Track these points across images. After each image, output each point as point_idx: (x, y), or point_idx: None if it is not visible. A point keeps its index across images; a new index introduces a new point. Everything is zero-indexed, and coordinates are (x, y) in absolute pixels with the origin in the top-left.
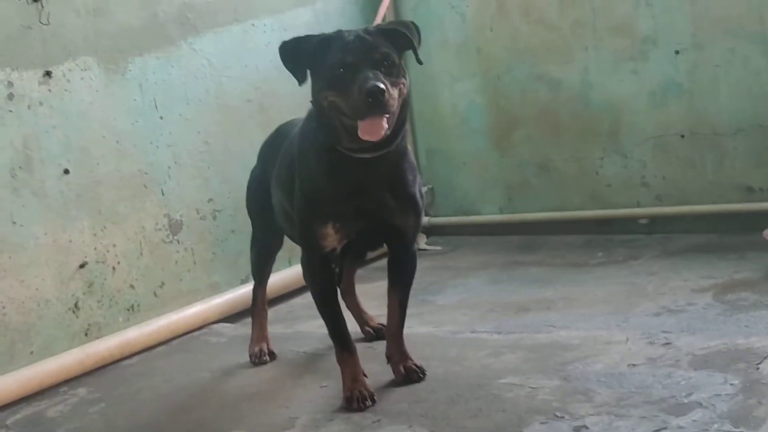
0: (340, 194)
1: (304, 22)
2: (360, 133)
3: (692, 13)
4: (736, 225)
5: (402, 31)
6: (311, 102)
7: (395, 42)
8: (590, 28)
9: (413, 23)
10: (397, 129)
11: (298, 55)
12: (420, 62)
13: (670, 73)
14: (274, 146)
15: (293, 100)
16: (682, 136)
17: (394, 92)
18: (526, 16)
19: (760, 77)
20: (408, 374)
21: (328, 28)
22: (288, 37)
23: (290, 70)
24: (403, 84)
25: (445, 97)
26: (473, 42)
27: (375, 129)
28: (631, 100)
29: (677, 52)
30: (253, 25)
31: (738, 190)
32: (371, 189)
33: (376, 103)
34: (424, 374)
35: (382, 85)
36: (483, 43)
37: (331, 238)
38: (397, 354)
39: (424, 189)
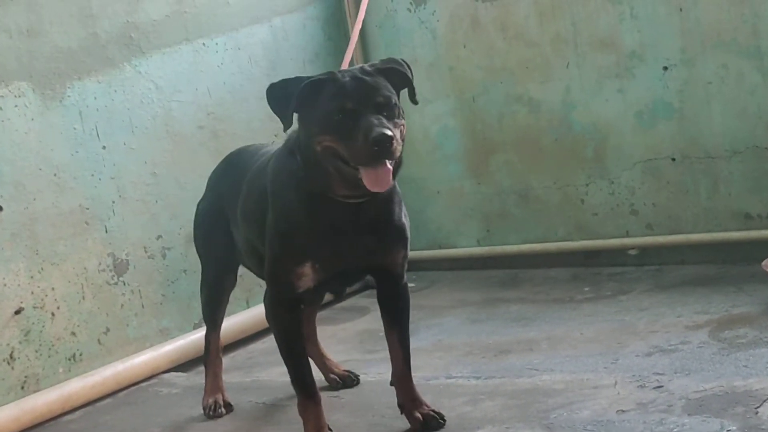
0: (321, 234)
1: (260, 41)
2: (367, 184)
3: (681, 26)
4: (733, 255)
5: (398, 69)
6: (298, 146)
7: (392, 81)
8: (572, 43)
9: (404, 61)
10: (395, 172)
11: (287, 98)
12: (415, 102)
13: (658, 91)
14: (228, 177)
15: (248, 126)
16: (673, 160)
17: (398, 136)
18: (502, 32)
19: (755, 95)
20: (426, 422)
21: (287, 47)
22: (242, 57)
23: (277, 114)
24: (403, 126)
25: (416, 120)
26: (445, 61)
27: (382, 179)
28: (617, 122)
29: (666, 69)
30: (204, 44)
31: (735, 218)
32: (356, 230)
33: (383, 151)
34: (444, 420)
35: (390, 133)
36: (456, 62)
37: (307, 278)
38: (409, 401)
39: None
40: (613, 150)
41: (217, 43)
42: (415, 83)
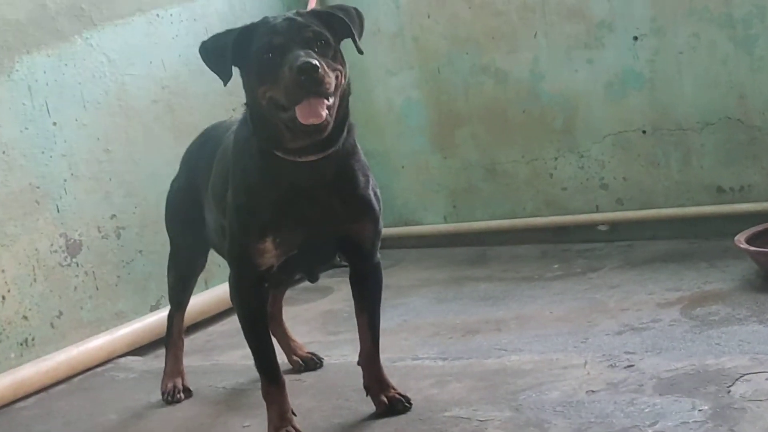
0: (280, 203)
1: (216, 11)
2: (300, 118)
3: None
4: (705, 230)
5: (338, 15)
6: (246, 104)
7: (331, 27)
8: (540, 12)
9: (355, 9)
10: (340, 123)
11: (221, 51)
12: (360, 51)
13: (628, 61)
14: (203, 152)
15: (205, 99)
16: (644, 132)
17: (331, 74)
18: (467, 1)
19: (727, 65)
20: (392, 405)
21: (245, 18)
22: (198, 28)
23: (215, 70)
24: (341, 71)
25: (379, 93)
26: (409, 30)
27: (315, 110)
28: (586, 93)
29: (636, 39)
30: (158, 15)
31: (707, 191)
32: (316, 195)
33: (310, 82)
34: (410, 404)
35: (315, 61)
36: (420, 32)
37: (269, 255)
38: (375, 384)
39: None
40: (583, 122)
41: (171, 14)
42: (379, 52)
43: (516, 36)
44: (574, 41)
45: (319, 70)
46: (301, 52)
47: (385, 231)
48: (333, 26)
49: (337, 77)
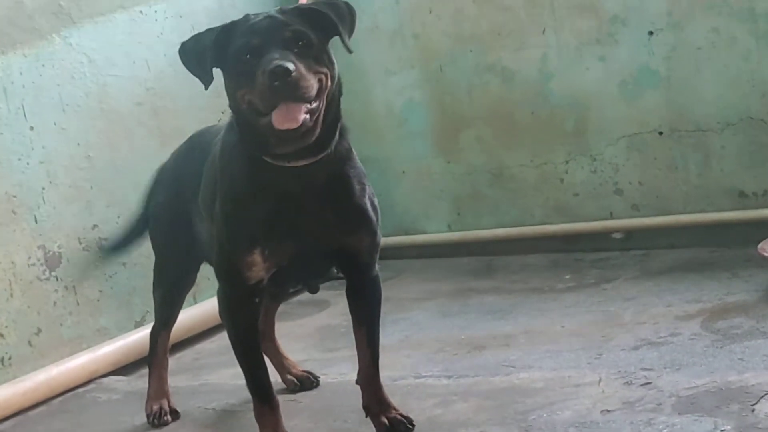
0: (269, 212)
1: (203, 7)
2: (274, 123)
3: None
4: (726, 237)
5: (325, 12)
6: (230, 106)
7: (317, 24)
8: (548, 7)
9: (346, 4)
10: (330, 127)
11: (200, 53)
12: (349, 51)
13: (643, 58)
14: (190, 160)
15: (192, 102)
16: (661, 134)
17: (311, 77)
18: None
19: (749, 61)
20: (393, 426)
21: (234, 15)
22: (185, 26)
23: (195, 73)
24: (325, 73)
25: (378, 94)
26: (409, 28)
27: (291, 115)
28: (598, 93)
29: (651, 34)
30: (141, 12)
31: (728, 196)
32: (308, 204)
33: (284, 86)
34: (412, 425)
35: (289, 65)
36: (421, 29)
37: (258, 267)
38: (376, 404)
39: None
40: (595, 124)
41: (156, 11)
42: (377, 50)
43: (523, 32)
44: (586, 37)
45: (293, 74)
46: (277, 54)
47: (386, 241)
48: (318, 24)
49: (320, 80)
